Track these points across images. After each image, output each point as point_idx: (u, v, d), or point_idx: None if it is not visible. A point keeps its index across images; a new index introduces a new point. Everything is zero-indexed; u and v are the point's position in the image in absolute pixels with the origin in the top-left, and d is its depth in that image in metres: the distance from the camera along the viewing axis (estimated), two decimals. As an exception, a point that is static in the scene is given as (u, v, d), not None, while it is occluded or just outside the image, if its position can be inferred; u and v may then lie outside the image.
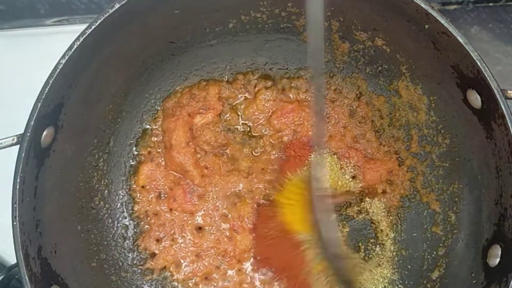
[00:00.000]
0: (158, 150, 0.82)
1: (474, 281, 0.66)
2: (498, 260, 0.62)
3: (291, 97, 0.82)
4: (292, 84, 0.83)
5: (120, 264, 0.78)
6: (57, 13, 0.94)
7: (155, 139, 0.82)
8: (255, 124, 0.82)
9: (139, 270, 0.79)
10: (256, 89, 0.83)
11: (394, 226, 0.80)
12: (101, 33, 0.62)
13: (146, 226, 0.80)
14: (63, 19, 0.94)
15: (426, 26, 0.64)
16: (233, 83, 0.83)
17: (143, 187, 0.81)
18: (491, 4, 0.93)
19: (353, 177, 0.81)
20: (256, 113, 0.82)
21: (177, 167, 0.80)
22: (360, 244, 0.80)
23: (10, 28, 0.94)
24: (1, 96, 0.90)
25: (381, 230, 0.80)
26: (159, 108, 0.82)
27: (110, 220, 0.79)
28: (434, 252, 0.77)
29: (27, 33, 0.93)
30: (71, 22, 0.94)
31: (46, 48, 0.89)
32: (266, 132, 0.82)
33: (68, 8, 0.93)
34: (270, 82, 0.83)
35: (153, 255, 0.80)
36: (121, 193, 0.80)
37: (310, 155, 0.80)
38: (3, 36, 0.93)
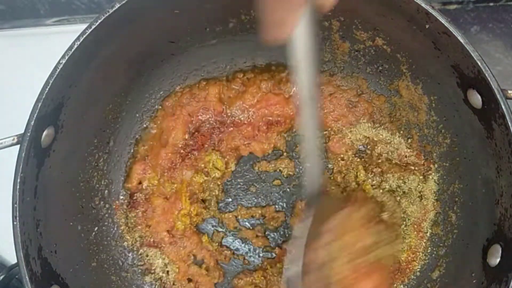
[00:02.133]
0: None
1: (474, 281, 0.66)
2: (498, 259, 0.62)
3: (284, 91, 0.82)
4: (288, 77, 0.82)
5: (120, 264, 0.78)
6: (57, 13, 0.94)
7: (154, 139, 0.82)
8: (243, 113, 0.82)
9: (139, 270, 0.79)
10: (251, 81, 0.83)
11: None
12: (101, 33, 0.62)
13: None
14: (63, 19, 0.94)
15: (427, 26, 0.64)
16: (232, 81, 0.83)
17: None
18: (491, 4, 0.93)
19: None
20: (245, 104, 0.82)
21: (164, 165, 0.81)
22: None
23: (10, 28, 0.94)
24: (1, 96, 0.90)
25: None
26: (159, 107, 0.82)
27: (110, 220, 0.79)
28: (434, 252, 0.77)
29: (27, 33, 0.93)
30: (71, 22, 0.94)
31: (46, 48, 0.89)
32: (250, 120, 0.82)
33: (68, 8, 0.94)
34: (266, 75, 0.82)
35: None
36: (121, 193, 0.80)
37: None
38: (3, 36, 0.93)
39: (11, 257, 0.82)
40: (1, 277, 0.73)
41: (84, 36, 0.60)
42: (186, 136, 0.81)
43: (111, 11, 0.61)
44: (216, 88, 0.81)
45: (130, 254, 0.79)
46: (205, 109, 0.81)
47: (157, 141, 0.81)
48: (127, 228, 0.79)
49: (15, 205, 0.58)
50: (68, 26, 0.93)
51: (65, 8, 0.94)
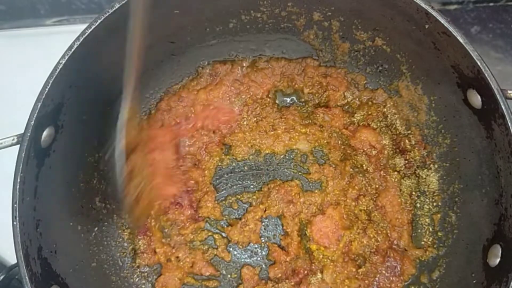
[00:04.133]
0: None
1: (474, 281, 0.66)
2: (498, 260, 0.62)
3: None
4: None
5: (120, 264, 0.78)
6: (57, 13, 0.94)
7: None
8: None
9: (139, 270, 0.79)
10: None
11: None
12: (101, 33, 0.62)
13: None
14: (63, 19, 0.94)
15: (426, 26, 0.64)
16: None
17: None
18: (491, 4, 0.93)
19: None
20: None
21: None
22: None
23: (10, 28, 0.94)
24: (1, 96, 0.90)
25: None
26: (153, 109, 0.82)
27: (110, 221, 0.79)
28: (435, 252, 0.77)
29: (27, 33, 0.93)
30: (71, 22, 0.94)
31: (46, 48, 0.89)
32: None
33: (68, 8, 0.93)
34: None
35: (153, 252, 0.80)
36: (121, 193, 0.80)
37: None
38: (3, 36, 0.93)
39: (11, 257, 0.82)
40: (1, 277, 0.73)
41: (84, 36, 0.60)
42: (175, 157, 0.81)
43: (111, 11, 0.61)
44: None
45: (130, 255, 0.79)
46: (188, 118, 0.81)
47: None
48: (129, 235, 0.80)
49: (15, 205, 0.58)
50: (68, 26, 0.93)
51: (65, 8, 0.94)
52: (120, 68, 0.72)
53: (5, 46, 0.92)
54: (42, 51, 0.89)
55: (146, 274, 0.79)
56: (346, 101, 0.82)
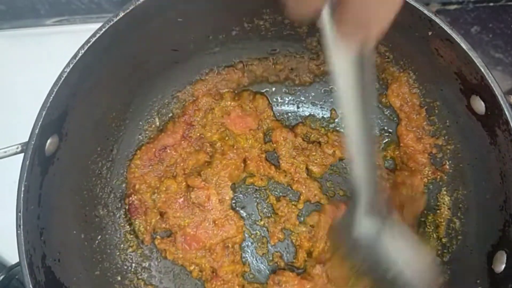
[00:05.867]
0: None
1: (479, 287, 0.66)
2: (503, 266, 0.62)
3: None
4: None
5: (124, 272, 0.78)
6: (57, 13, 0.93)
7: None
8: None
9: (143, 279, 0.79)
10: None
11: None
12: (106, 41, 0.62)
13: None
14: (63, 19, 0.93)
15: (430, 33, 0.64)
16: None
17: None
18: (491, 4, 0.93)
19: None
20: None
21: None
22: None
23: (10, 28, 0.93)
24: (2, 99, 0.89)
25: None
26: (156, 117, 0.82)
27: (113, 228, 0.79)
28: (439, 259, 0.77)
29: (27, 33, 0.93)
30: (71, 22, 0.93)
31: (46, 48, 0.88)
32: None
33: (68, 8, 0.93)
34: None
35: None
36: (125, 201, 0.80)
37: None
38: (3, 36, 0.92)
39: (11, 257, 0.82)
40: (1, 277, 0.72)
41: (89, 45, 0.60)
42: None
43: (115, 19, 0.61)
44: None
45: (133, 263, 0.79)
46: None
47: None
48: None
49: (19, 214, 0.58)
50: (68, 26, 0.93)
51: (65, 8, 0.93)
52: (123, 76, 0.73)
53: (5, 46, 0.92)
54: (42, 51, 0.89)
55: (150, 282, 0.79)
56: None
